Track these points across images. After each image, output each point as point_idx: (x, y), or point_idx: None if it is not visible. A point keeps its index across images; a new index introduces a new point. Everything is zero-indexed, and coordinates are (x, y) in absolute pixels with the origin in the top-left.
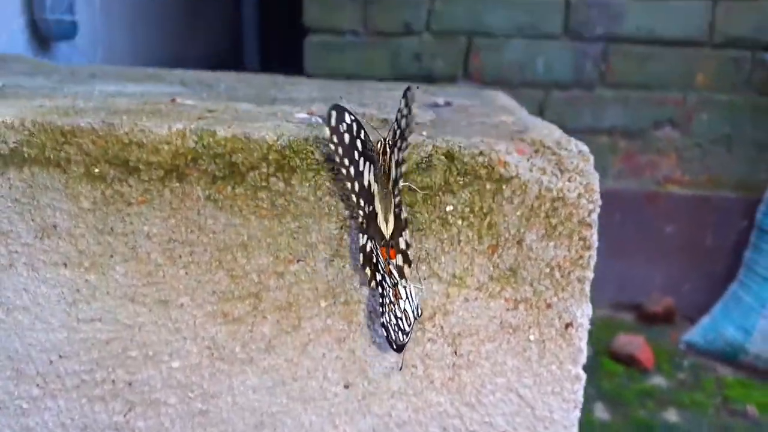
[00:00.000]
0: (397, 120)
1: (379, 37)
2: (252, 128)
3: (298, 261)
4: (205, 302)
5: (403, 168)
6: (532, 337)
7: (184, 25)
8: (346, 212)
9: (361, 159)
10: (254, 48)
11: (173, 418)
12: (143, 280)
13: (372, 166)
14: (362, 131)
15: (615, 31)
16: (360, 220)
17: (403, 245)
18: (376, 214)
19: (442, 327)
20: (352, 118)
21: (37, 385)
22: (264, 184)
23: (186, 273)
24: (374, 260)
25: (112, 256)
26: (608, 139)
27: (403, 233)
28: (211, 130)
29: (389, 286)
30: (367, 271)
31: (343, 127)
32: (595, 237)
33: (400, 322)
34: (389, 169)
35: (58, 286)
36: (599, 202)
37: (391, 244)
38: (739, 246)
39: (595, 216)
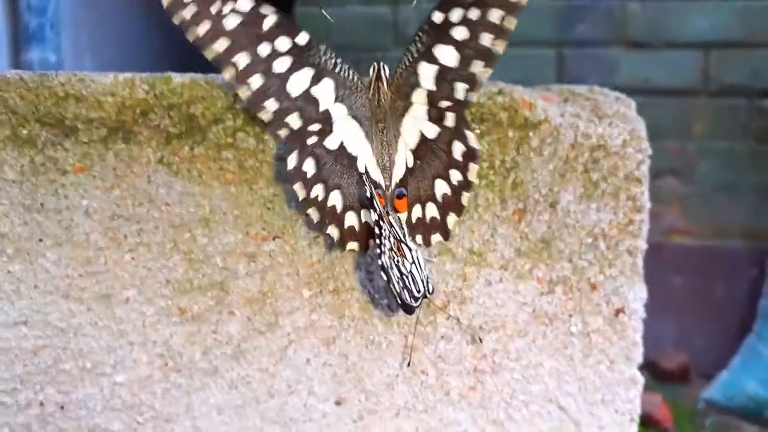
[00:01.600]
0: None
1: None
2: (214, 75)
3: (274, 238)
4: (157, 296)
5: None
6: (574, 329)
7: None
8: None
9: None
10: None
11: None
12: (80, 270)
13: (336, 85)
14: (301, 32)
15: (609, 82)
16: (294, 166)
17: (444, 189)
18: (351, 154)
19: (458, 319)
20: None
21: None
22: (230, 141)
23: (133, 258)
24: (368, 196)
25: (41, 240)
26: None
27: (458, 169)
28: (166, 76)
29: (388, 232)
30: (333, 230)
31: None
32: (647, 196)
33: (405, 279)
34: (392, 98)
35: None
36: (649, 152)
37: (401, 193)
38: (751, 296)
39: (645, 169)
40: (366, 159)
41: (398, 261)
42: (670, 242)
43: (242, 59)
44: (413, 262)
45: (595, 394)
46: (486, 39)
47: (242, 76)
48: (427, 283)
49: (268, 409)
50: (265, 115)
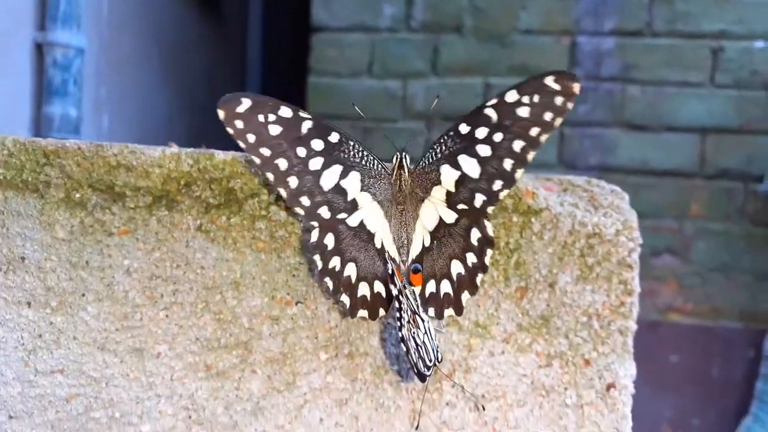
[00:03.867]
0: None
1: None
2: None
3: (296, 303)
4: (186, 351)
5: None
6: (568, 401)
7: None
8: None
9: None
10: None
11: None
12: (117, 324)
13: (358, 173)
14: (334, 131)
15: (608, 162)
16: (315, 240)
17: (459, 269)
18: (370, 232)
19: (462, 387)
20: (271, 103)
21: None
22: (264, 213)
23: (167, 316)
24: (390, 272)
25: (84, 295)
26: None
27: (473, 253)
28: (210, 153)
29: (406, 305)
30: (344, 298)
31: (251, 111)
32: (637, 281)
33: (420, 350)
34: (412, 185)
35: (18, 329)
36: (640, 241)
37: (416, 269)
38: (748, 377)
39: (635, 256)
40: (383, 236)
41: (414, 332)
42: (667, 320)
43: (283, 162)
44: (426, 332)
45: None
46: (507, 163)
47: (282, 177)
48: (437, 352)
49: None
50: (301, 210)
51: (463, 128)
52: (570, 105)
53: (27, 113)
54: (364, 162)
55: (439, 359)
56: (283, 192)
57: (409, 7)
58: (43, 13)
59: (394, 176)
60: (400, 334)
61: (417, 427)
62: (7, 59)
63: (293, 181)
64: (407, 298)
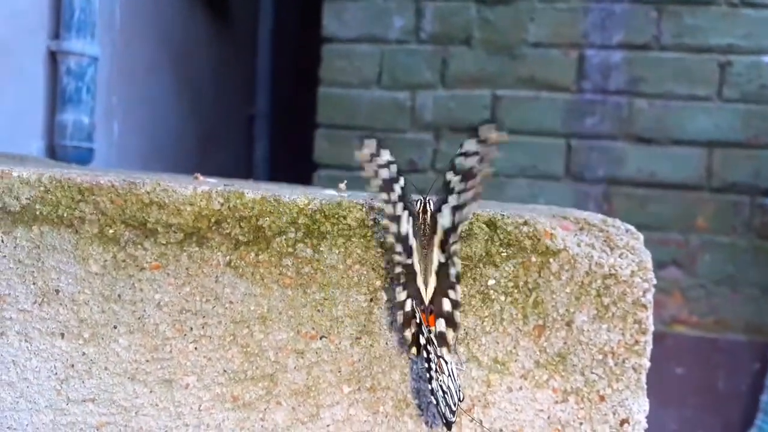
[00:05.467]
0: (453, 167)
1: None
2: (281, 193)
3: (321, 338)
4: (214, 383)
5: (465, 213)
6: None
7: (195, 158)
8: (377, 283)
9: (399, 204)
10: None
11: None
12: (147, 356)
13: (411, 218)
14: (401, 177)
15: (616, 174)
16: (398, 271)
17: (447, 307)
18: (416, 272)
19: (481, 422)
20: (391, 159)
21: None
22: (290, 250)
23: (196, 348)
24: (417, 321)
25: (115, 327)
26: None
27: (453, 290)
28: (239, 191)
29: (434, 355)
30: (408, 333)
31: (381, 161)
32: (651, 321)
33: (446, 396)
34: (429, 229)
35: (52, 359)
36: (654, 282)
37: (431, 310)
38: (753, 389)
39: (650, 297)
40: (419, 279)
41: (441, 379)
42: (673, 331)
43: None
44: (449, 374)
45: None
46: (466, 211)
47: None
48: (460, 391)
49: None
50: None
51: (450, 176)
52: (495, 154)
53: (40, 120)
54: (412, 207)
55: (461, 398)
56: (390, 236)
57: (418, 19)
58: (58, 21)
59: (420, 220)
60: (430, 387)
61: None
62: (21, 67)
63: (404, 227)
64: (433, 344)
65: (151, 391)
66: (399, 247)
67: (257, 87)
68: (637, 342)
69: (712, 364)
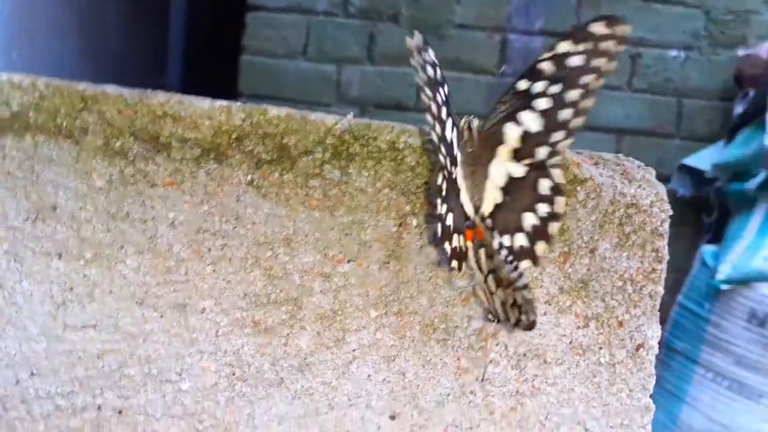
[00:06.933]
0: (533, 73)
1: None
2: (306, 112)
3: (348, 261)
4: (233, 307)
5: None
6: (602, 360)
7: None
8: (407, 208)
9: (444, 108)
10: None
11: None
12: (159, 278)
13: (455, 128)
14: (445, 84)
15: None
16: (440, 182)
17: (533, 221)
18: (458, 188)
19: (506, 346)
20: (437, 62)
21: None
22: (317, 171)
23: (214, 270)
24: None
25: (122, 247)
26: None
27: (548, 203)
28: (262, 107)
29: (483, 262)
30: (447, 246)
31: (428, 58)
32: (667, 250)
33: (524, 293)
34: (481, 145)
35: (47, 281)
36: (670, 212)
37: (487, 225)
38: None
39: (666, 226)
40: (463, 195)
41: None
42: None
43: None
44: (516, 285)
45: (616, 418)
46: (565, 113)
47: (434, 119)
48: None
49: (326, 421)
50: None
51: (521, 85)
52: (621, 48)
53: None
54: (456, 121)
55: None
56: (434, 135)
57: None
58: None
59: (465, 138)
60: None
61: (483, 380)
62: None
63: (438, 128)
64: (485, 254)
65: (161, 316)
66: (444, 150)
67: (169, 55)
68: (654, 270)
69: None
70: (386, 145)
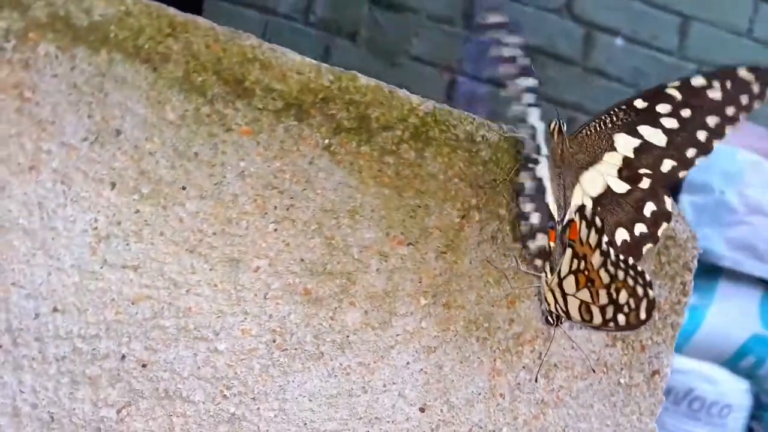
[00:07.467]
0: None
1: None
2: (394, 87)
3: (408, 244)
4: (288, 271)
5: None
6: (622, 381)
7: None
8: (473, 201)
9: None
10: None
11: (189, 423)
12: (217, 228)
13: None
14: (533, 76)
15: None
16: (523, 180)
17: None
18: (545, 188)
19: (540, 354)
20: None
21: (0, 347)
22: (394, 148)
23: (275, 230)
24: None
25: (184, 188)
26: None
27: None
28: (352, 73)
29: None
30: (532, 245)
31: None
32: (692, 285)
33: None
34: (567, 149)
35: (93, 211)
36: (700, 250)
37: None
38: None
39: (696, 262)
40: (548, 195)
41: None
42: None
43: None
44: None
45: None
46: (700, 135)
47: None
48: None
49: (357, 404)
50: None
51: (639, 103)
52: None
53: None
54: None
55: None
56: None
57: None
58: None
59: (556, 139)
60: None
61: (536, 380)
62: None
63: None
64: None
65: (211, 269)
66: (533, 148)
67: None
68: (679, 302)
69: None
70: (464, 135)
